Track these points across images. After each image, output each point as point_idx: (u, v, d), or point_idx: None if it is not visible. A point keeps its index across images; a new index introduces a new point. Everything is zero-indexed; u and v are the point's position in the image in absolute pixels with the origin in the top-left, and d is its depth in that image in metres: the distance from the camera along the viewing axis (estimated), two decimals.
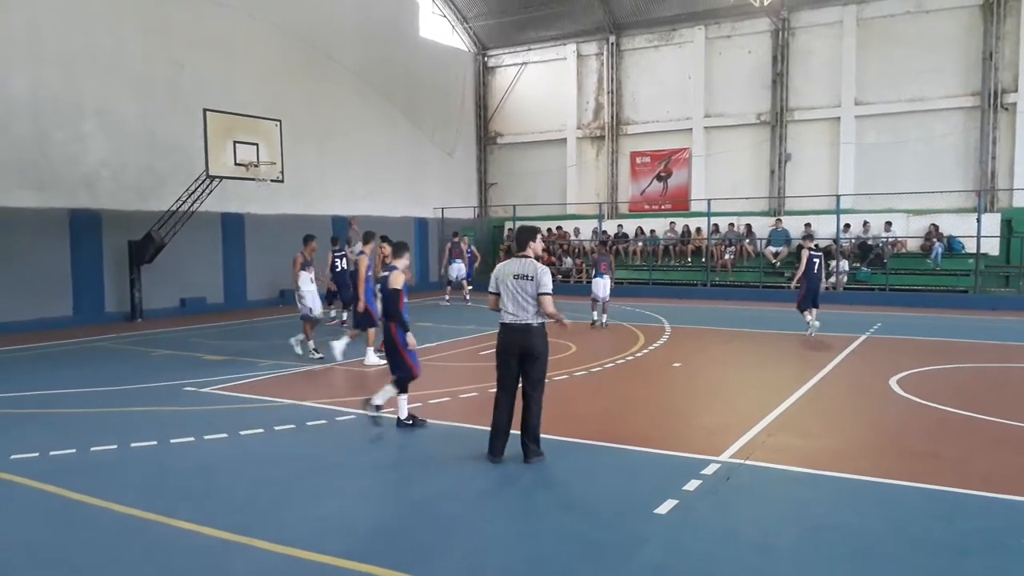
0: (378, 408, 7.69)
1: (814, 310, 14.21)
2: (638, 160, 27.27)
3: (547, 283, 6.46)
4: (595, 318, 15.83)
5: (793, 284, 14.93)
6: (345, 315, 17.64)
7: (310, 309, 12.27)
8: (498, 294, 6.61)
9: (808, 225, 23.08)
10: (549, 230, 27.20)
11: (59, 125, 16.88)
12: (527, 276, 6.47)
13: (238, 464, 6.72)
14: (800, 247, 15.55)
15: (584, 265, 25.12)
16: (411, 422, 7.76)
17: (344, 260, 17.98)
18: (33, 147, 16.46)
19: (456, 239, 21.90)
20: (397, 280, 7.71)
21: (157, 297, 18.35)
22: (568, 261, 26.04)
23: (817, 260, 14.32)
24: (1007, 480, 6.05)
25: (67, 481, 6.15)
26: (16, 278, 15.98)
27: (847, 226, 22.18)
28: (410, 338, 7.66)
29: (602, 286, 15.73)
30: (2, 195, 15.90)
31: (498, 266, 6.77)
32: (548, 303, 6.43)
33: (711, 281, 23.34)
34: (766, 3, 21.86)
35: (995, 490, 5.78)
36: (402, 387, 7.73)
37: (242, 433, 7.62)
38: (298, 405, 8.89)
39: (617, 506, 5.56)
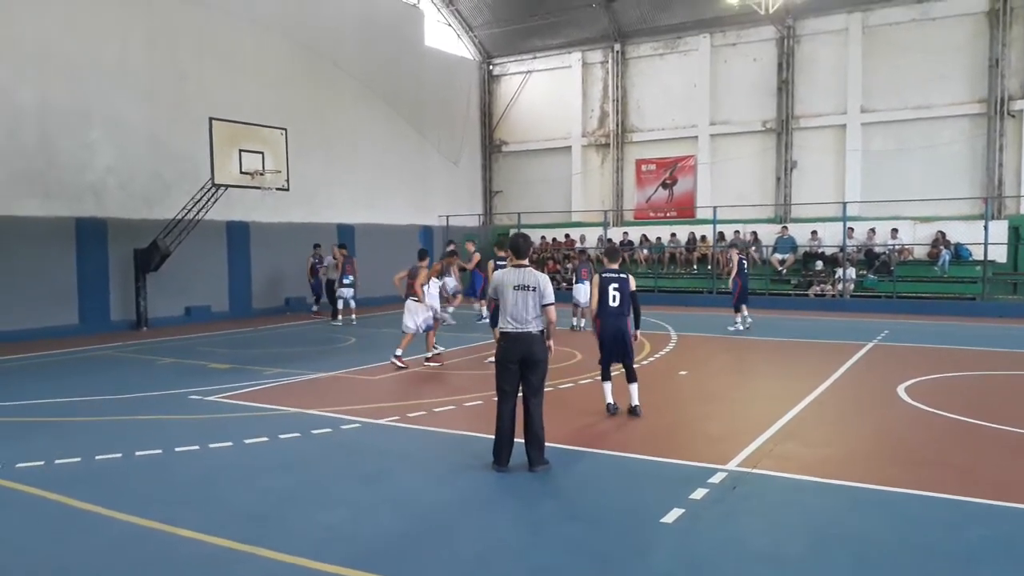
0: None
1: (745, 308, 16.46)
2: (643, 168, 27.27)
3: (551, 294, 6.64)
4: (574, 323, 16.62)
5: (731, 282, 16.91)
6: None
7: (407, 326, 12.21)
8: (496, 300, 6.67)
9: (815, 233, 23.08)
10: (555, 239, 27.24)
11: (65, 134, 16.94)
12: (528, 287, 6.52)
13: (243, 473, 6.70)
14: (731, 250, 17.80)
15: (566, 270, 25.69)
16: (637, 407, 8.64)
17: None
18: (39, 156, 16.52)
19: (450, 248, 16.97)
20: (632, 283, 8.68)
21: (162, 305, 18.38)
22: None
23: (744, 263, 16.59)
24: (1015, 488, 6.00)
25: (71, 489, 6.14)
26: (22, 287, 16.00)
27: (851, 230, 22.09)
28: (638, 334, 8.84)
29: (583, 292, 16.02)
30: (8, 204, 15.94)
31: (497, 274, 6.79)
32: (552, 312, 6.67)
33: (717, 289, 23.28)
34: (771, 11, 21.86)
35: (1003, 498, 5.74)
36: (633, 376, 8.71)
37: (247, 442, 7.61)
38: (303, 414, 8.88)
39: (623, 515, 5.53)
